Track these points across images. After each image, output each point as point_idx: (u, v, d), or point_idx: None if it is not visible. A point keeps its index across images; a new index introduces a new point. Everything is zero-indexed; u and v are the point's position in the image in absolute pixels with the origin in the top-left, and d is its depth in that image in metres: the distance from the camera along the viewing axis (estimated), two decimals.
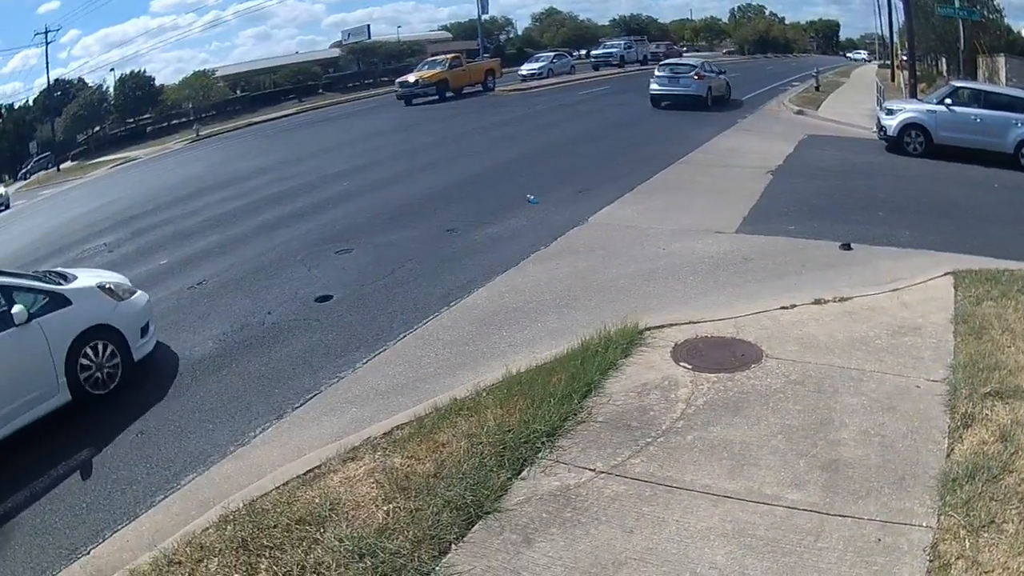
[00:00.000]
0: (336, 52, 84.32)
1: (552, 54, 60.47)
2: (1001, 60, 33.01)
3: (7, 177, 61.48)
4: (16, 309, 7.90)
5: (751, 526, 5.16)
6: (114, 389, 8.87)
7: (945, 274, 9.90)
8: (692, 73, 31.55)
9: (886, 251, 11.69)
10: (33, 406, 8.01)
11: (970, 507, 5.08)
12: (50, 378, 8.21)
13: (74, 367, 8.46)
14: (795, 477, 5.67)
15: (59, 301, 8.59)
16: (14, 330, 7.89)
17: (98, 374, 8.74)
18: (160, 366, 9.45)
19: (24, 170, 64.32)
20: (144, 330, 9.53)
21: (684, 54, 68.41)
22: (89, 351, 8.66)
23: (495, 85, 46.79)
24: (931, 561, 4.69)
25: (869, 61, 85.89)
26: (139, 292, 9.96)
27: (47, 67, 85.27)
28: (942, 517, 5.06)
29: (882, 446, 6.00)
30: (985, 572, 4.54)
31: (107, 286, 9.41)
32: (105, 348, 8.83)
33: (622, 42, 66.02)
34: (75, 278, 9.44)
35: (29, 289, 8.52)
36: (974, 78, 32.12)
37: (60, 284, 9.01)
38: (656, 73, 32.76)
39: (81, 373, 8.53)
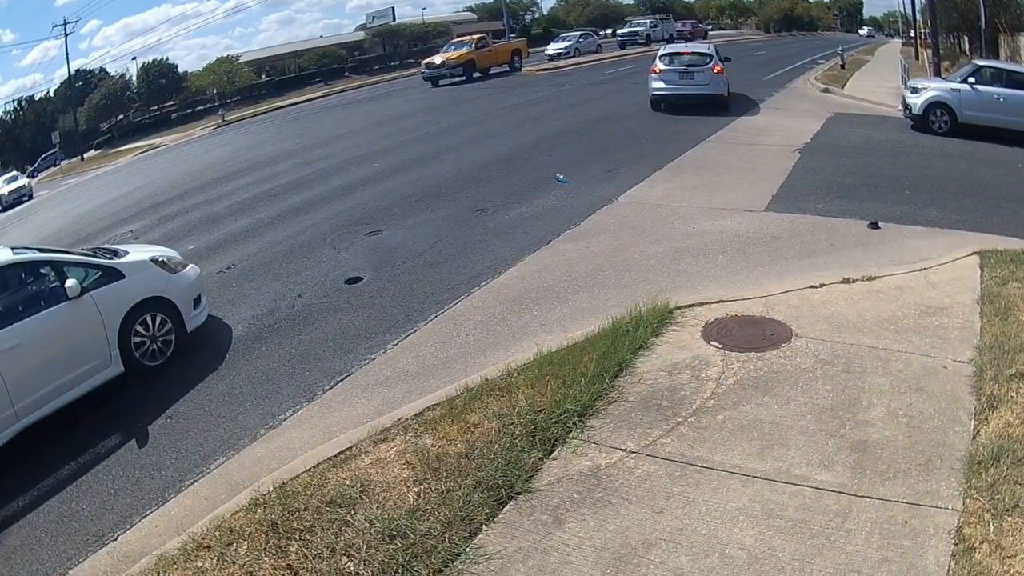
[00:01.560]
0: (361, 35, 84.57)
1: (578, 33, 60.33)
2: (1022, 39, 32.43)
3: (28, 167, 61.88)
4: (69, 283, 8.10)
5: (780, 507, 5.20)
6: (166, 361, 9.11)
7: (971, 254, 9.86)
8: (711, 65, 24.22)
9: (913, 230, 11.60)
10: (86, 378, 8.23)
11: (995, 490, 5.10)
12: (103, 350, 8.42)
13: (127, 339, 8.67)
14: (824, 458, 5.70)
15: (112, 275, 8.80)
16: (67, 304, 8.10)
17: (152, 346, 8.96)
18: (188, 351, 9.52)
19: (32, 168, 64.29)
20: (196, 302, 9.75)
21: (709, 34, 67.81)
22: (148, 320, 8.89)
23: (522, 65, 46.73)
24: (956, 544, 4.71)
25: (872, 36, 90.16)
26: (191, 265, 10.17)
27: (67, 58, 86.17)
28: (967, 500, 5.08)
29: (909, 427, 6.01)
30: (1008, 556, 4.56)
31: (160, 259, 9.61)
32: (160, 321, 9.06)
33: (648, 21, 65.60)
34: (126, 253, 9.62)
35: (81, 264, 8.73)
36: (996, 57, 31.59)
37: (112, 259, 9.18)
38: (659, 66, 24.50)
39: (135, 342, 8.75)
